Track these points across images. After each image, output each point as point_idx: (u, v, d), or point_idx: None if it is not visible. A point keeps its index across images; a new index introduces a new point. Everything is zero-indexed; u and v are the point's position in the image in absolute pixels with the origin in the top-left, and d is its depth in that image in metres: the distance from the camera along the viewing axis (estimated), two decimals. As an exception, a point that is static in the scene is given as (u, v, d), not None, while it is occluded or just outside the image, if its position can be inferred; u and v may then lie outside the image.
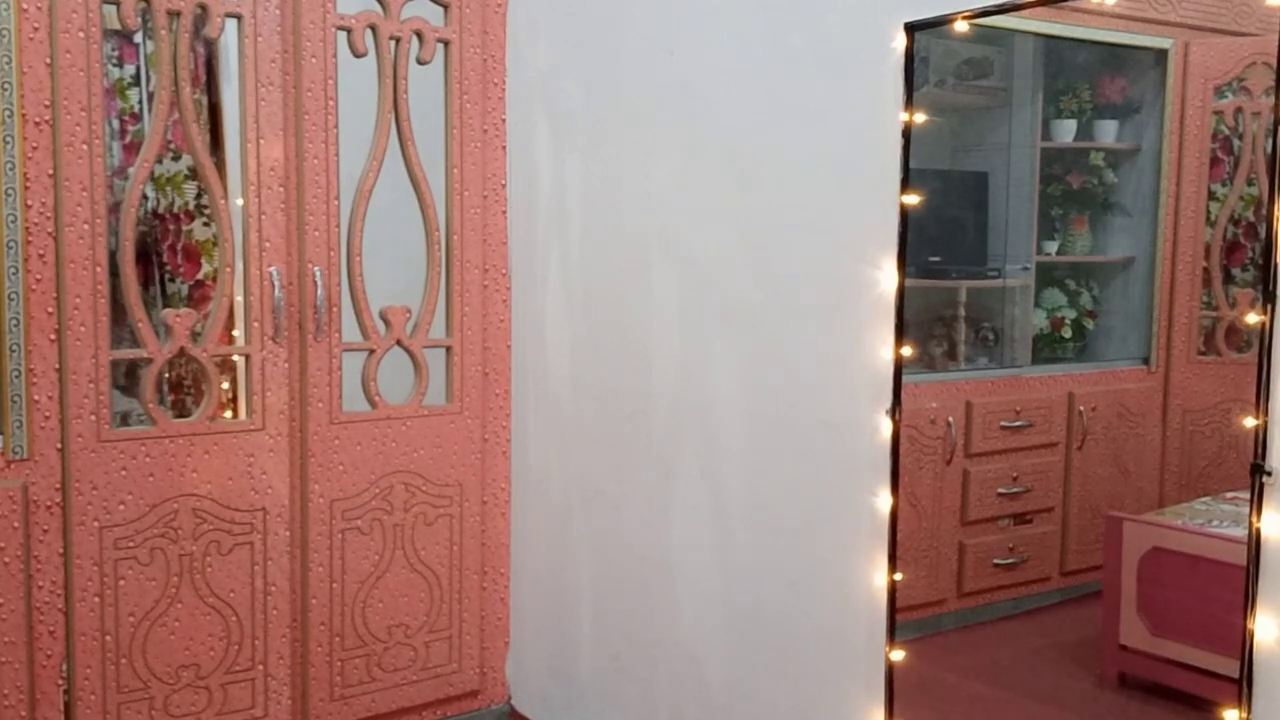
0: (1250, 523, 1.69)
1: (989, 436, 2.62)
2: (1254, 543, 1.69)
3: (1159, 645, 2.25)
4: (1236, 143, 2.33)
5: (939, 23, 2.10)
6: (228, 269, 2.88)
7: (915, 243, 2.20)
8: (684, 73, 2.69)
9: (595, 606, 3.06)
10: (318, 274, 2.93)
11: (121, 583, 2.76)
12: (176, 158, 3.22)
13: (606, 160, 2.96)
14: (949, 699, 2.43)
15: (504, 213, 3.25)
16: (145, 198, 3.19)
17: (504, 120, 3.23)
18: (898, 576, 2.21)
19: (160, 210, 3.27)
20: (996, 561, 2.64)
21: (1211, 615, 2.03)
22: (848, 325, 2.28)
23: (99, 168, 2.63)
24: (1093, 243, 2.82)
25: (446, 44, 3.10)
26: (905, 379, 2.21)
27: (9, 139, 2.54)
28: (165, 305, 3.24)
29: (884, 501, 2.22)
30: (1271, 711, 1.69)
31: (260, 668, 2.97)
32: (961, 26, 2.06)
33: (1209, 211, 2.40)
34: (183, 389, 3.30)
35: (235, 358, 3.09)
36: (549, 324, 3.18)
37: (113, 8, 2.63)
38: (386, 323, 3.08)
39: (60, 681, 2.72)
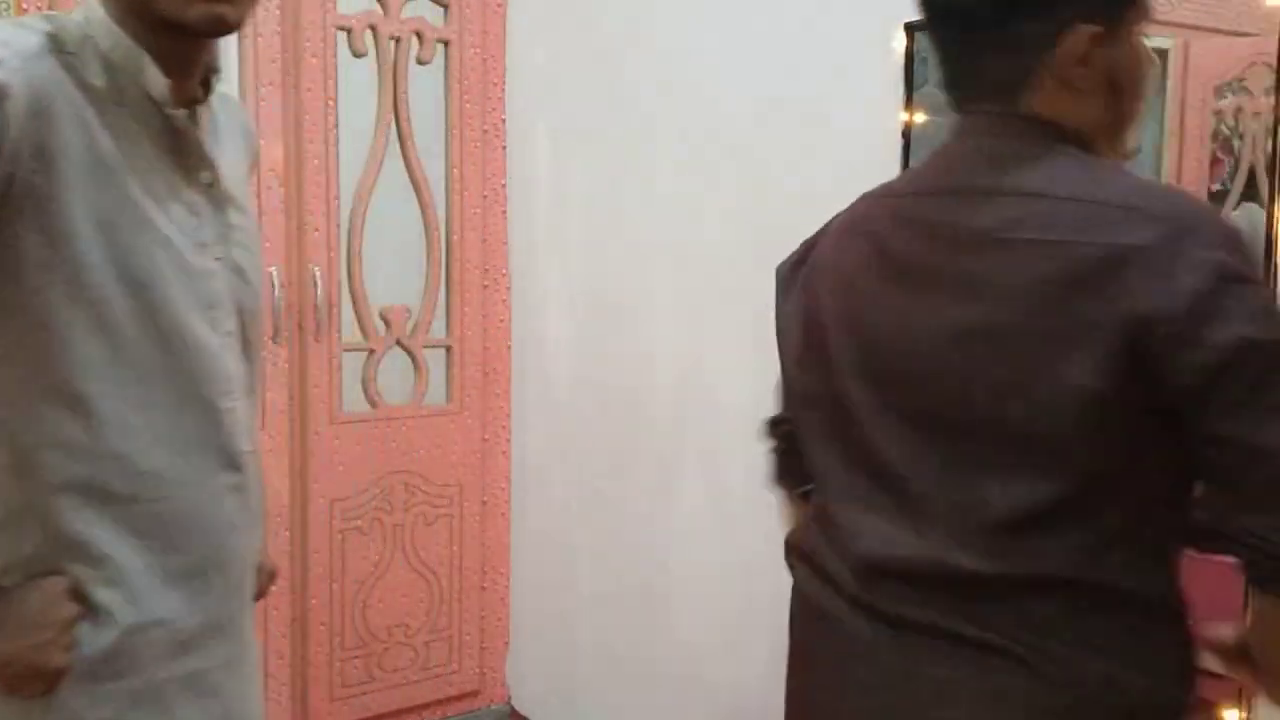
0: (1250, 522, 1.68)
1: (989, 436, 2.62)
2: (1254, 542, 1.68)
3: (1159, 645, 2.24)
4: (1236, 143, 2.33)
5: (939, 23, 2.09)
6: (227, 269, 2.87)
7: (915, 243, 2.19)
8: (684, 72, 2.69)
9: (595, 606, 3.06)
10: (317, 274, 2.92)
11: (121, 583, 2.76)
12: (176, 158, 3.22)
13: (606, 160, 2.95)
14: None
15: (504, 213, 3.25)
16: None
17: (504, 120, 3.23)
18: (898, 576, 2.21)
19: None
20: (996, 561, 2.64)
21: (1211, 615, 2.02)
22: (848, 325, 2.27)
23: (99, 167, 2.63)
24: (1093, 243, 2.81)
25: (446, 44, 3.10)
26: (905, 379, 2.21)
27: (9, 139, 2.53)
28: (165, 305, 3.24)
29: (884, 501, 2.21)
30: (1272, 712, 1.68)
31: (260, 667, 2.97)
32: (962, 26, 2.05)
33: (1209, 211, 2.40)
34: (182, 389, 3.29)
35: (235, 358, 3.08)
36: (549, 324, 3.17)
37: (113, 7, 2.63)
38: (386, 323, 3.08)
39: (60, 681, 2.72)
